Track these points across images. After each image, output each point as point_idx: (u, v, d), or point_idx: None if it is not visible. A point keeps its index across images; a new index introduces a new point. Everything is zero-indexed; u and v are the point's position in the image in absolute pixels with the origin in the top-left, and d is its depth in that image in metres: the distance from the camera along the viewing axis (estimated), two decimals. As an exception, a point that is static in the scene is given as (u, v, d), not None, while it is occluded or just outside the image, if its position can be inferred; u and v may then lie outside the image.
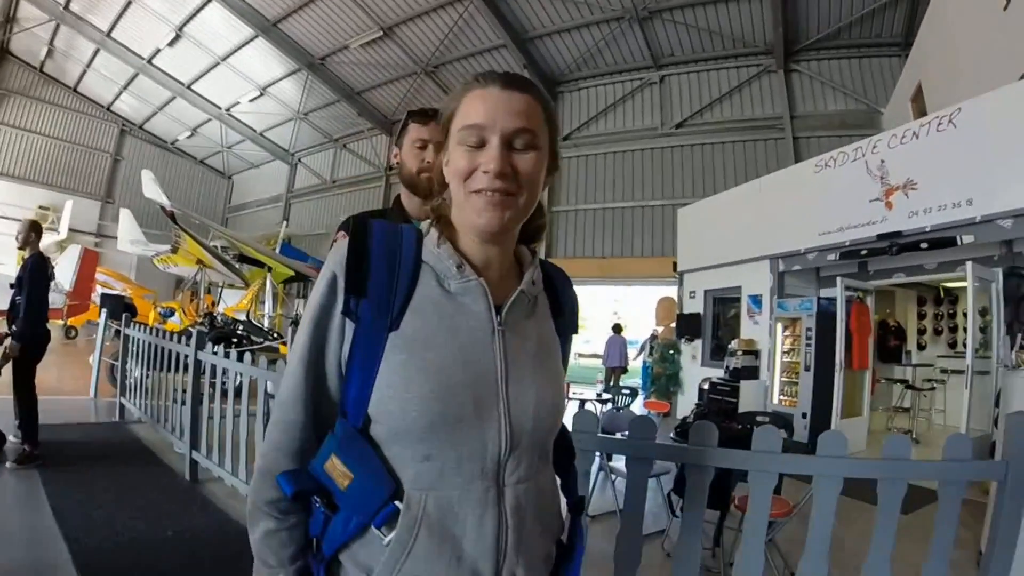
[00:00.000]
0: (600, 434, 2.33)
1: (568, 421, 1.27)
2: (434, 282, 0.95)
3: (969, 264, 6.34)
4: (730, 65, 15.19)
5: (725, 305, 11.81)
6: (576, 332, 1.17)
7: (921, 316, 11.12)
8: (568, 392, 5.51)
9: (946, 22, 8.83)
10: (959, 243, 6.64)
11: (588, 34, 15.48)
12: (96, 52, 20.90)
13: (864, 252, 8.07)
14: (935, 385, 9.46)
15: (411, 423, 0.86)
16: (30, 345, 4.88)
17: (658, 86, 16.30)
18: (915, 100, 9.95)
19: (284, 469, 0.92)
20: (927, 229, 7.05)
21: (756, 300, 10.36)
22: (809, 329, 8.69)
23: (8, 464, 4.66)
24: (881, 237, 7.66)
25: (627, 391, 7.64)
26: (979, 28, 7.65)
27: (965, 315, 8.73)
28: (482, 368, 0.91)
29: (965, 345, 7.17)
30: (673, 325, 13.03)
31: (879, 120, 12.90)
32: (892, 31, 13.03)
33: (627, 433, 2.19)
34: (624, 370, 14.82)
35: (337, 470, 0.89)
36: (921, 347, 10.98)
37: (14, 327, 4.85)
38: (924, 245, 7.05)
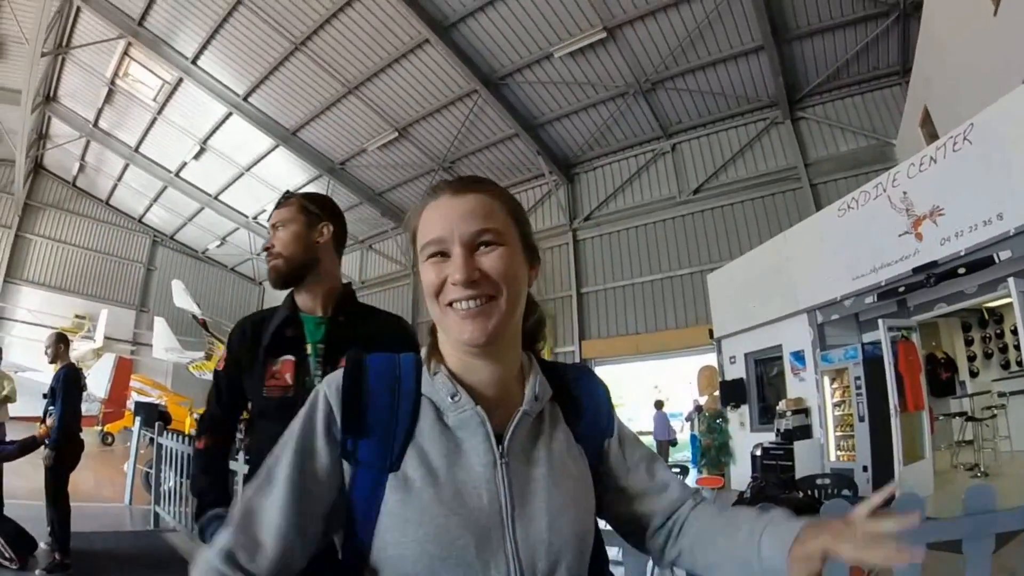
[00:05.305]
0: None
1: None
2: (433, 416, 0.90)
3: (1011, 280, 6.08)
4: (738, 123, 15.36)
5: (767, 366, 11.57)
6: (611, 435, 1.05)
7: (968, 342, 10.63)
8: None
9: (940, 41, 8.82)
10: (997, 261, 6.36)
11: (596, 113, 15.84)
12: (126, 167, 21.86)
13: (902, 289, 7.81)
14: (995, 412, 8.90)
15: (408, 569, 0.81)
16: (64, 454, 4.89)
17: (671, 155, 16.48)
18: (924, 125, 9.86)
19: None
20: (962, 253, 6.79)
21: (799, 356, 10.12)
22: (857, 378, 8.38)
23: (38, 572, 4.61)
24: (916, 270, 7.43)
25: (677, 469, 7.31)
26: (973, 39, 7.61)
27: (1014, 332, 8.33)
28: (483, 507, 0.84)
29: (1020, 363, 6.78)
30: (717, 394, 12.68)
31: (892, 152, 12.83)
32: (888, 61, 13.09)
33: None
34: (673, 443, 14.47)
35: None
36: (974, 374, 10.44)
37: (47, 437, 4.88)
38: (962, 270, 6.78)
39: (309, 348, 1.75)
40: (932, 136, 9.06)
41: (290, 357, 1.73)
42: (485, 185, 0.93)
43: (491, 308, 0.85)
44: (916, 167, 7.46)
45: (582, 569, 0.90)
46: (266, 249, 1.84)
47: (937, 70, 9.13)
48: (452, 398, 0.89)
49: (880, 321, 7.83)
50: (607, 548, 1.08)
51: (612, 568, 1.04)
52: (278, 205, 1.87)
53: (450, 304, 0.86)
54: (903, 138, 12.10)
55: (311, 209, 1.85)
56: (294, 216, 1.83)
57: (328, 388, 0.91)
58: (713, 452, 12.05)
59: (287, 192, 1.94)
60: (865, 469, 7.95)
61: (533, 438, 0.93)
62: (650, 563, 1.66)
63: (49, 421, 4.89)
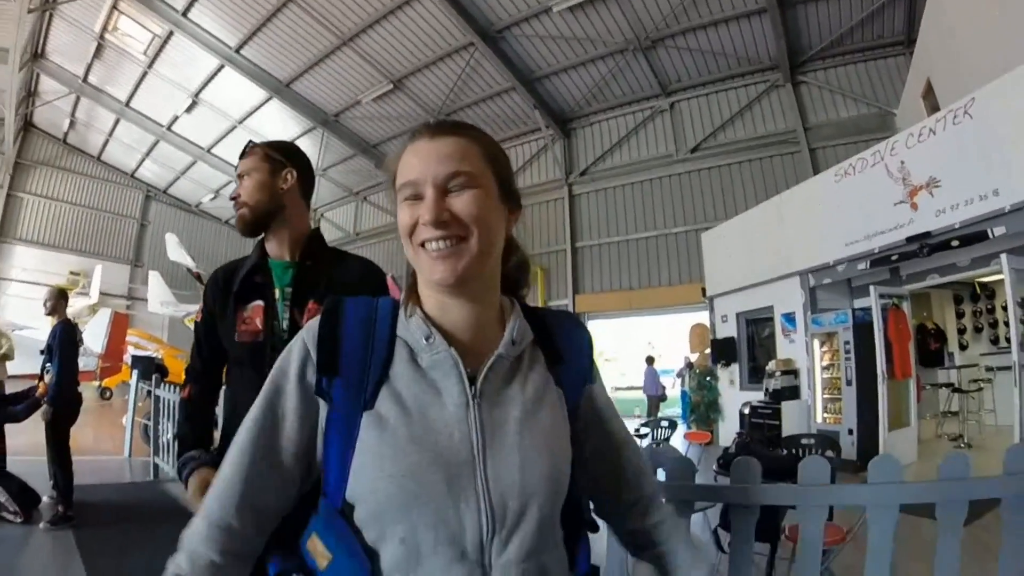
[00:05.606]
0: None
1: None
2: (408, 358, 0.92)
3: (1004, 256, 6.11)
4: (738, 84, 15.20)
5: (759, 326, 11.67)
6: (592, 381, 1.07)
7: (959, 315, 10.75)
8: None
9: (947, 13, 8.66)
10: (991, 236, 6.39)
11: (594, 69, 15.60)
12: (117, 122, 21.58)
13: (895, 257, 7.85)
14: (982, 385, 9.09)
15: (382, 504, 0.83)
16: (62, 409, 4.97)
17: (669, 113, 16.34)
18: (926, 96, 9.77)
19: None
20: (956, 226, 6.82)
21: (790, 318, 10.21)
22: (847, 342, 8.50)
23: (42, 524, 4.77)
24: (910, 240, 7.47)
25: (666, 423, 7.43)
26: (981, 14, 7.48)
27: (1004, 308, 8.45)
28: (454, 446, 0.86)
29: (1008, 340, 6.89)
30: (708, 351, 12.84)
31: (892, 122, 12.71)
32: (894, 30, 12.91)
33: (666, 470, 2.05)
34: (663, 398, 14.85)
35: (317, 550, 0.88)
36: (963, 347, 10.61)
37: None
38: (955, 243, 6.82)
39: (277, 293, 1.78)
40: (934, 108, 8.98)
41: (259, 302, 1.77)
42: (464, 129, 0.94)
43: (461, 249, 0.87)
44: (915, 137, 7.42)
45: (554, 511, 0.92)
46: (233, 199, 1.86)
47: (943, 43, 8.98)
48: (426, 340, 0.91)
49: (872, 288, 7.88)
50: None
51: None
52: (242, 155, 1.89)
53: (422, 245, 0.89)
54: (904, 108, 11.99)
55: (274, 156, 1.87)
56: (257, 165, 1.85)
57: (307, 333, 0.94)
58: (702, 408, 12.27)
59: (250, 141, 1.95)
60: (851, 432, 8.13)
61: (508, 380, 0.94)
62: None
63: (47, 378, 4.96)
